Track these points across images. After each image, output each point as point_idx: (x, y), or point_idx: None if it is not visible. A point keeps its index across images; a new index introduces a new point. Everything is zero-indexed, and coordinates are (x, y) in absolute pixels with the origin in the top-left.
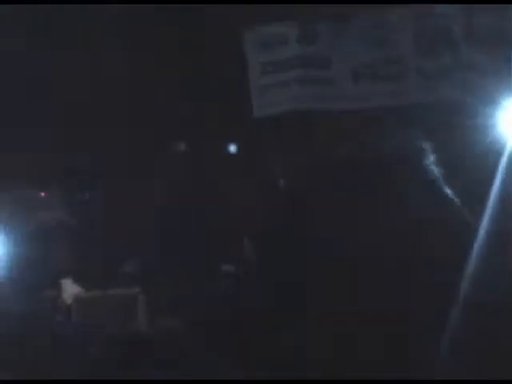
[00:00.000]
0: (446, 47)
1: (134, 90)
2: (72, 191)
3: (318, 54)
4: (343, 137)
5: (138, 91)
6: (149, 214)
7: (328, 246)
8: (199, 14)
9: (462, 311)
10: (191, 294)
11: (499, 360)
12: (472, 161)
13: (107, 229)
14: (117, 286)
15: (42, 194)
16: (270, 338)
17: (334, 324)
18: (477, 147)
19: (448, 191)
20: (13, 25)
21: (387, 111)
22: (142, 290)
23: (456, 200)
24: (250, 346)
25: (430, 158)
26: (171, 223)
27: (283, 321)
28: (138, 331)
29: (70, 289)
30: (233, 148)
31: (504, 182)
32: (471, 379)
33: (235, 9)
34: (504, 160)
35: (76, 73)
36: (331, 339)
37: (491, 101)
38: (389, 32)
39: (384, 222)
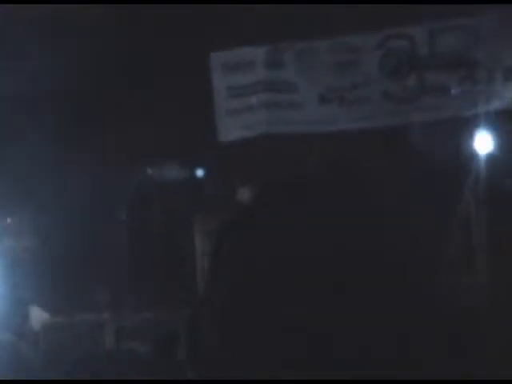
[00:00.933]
0: (410, 70)
1: (99, 112)
2: (39, 218)
3: (285, 79)
4: (310, 160)
5: (105, 113)
6: (119, 241)
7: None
8: (166, 38)
9: None
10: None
11: None
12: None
13: (75, 255)
14: (84, 312)
15: (9, 220)
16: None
17: None
18: (443, 169)
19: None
20: None
21: (356, 134)
22: (110, 316)
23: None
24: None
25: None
26: (144, 249)
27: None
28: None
29: (37, 315)
30: (199, 173)
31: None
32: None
33: (202, 32)
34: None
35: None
36: None
37: (455, 122)
38: (354, 56)
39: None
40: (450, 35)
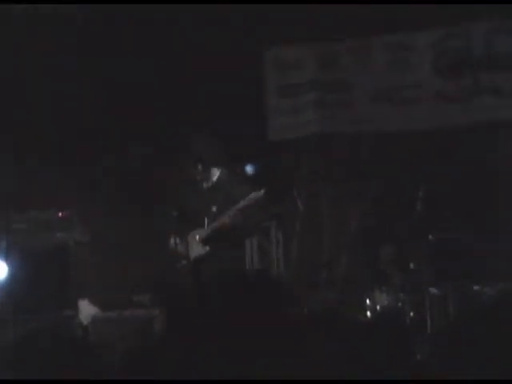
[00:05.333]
0: (466, 69)
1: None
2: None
3: (337, 78)
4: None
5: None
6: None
7: None
8: (218, 35)
9: None
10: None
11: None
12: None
13: (125, 250)
14: (133, 307)
15: (60, 214)
16: None
17: None
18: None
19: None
20: None
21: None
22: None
23: None
24: None
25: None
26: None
27: None
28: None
29: (86, 309)
30: (249, 170)
31: None
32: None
33: (254, 29)
34: None
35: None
36: None
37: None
38: (408, 55)
39: None
40: (508, 36)
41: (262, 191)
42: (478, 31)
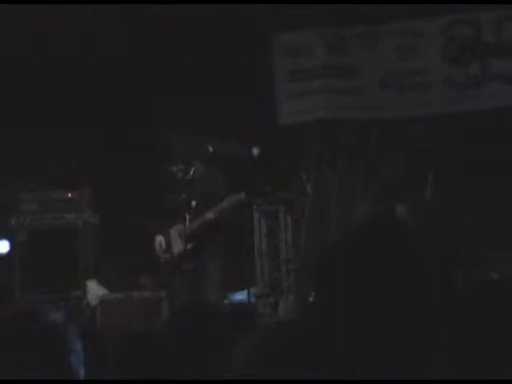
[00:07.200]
0: (474, 57)
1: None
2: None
3: (346, 64)
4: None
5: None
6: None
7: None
8: (227, 20)
9: None
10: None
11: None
12: None
13: (134, 230)
14: (141, 289)
15: (69, 194)
16: None
17: None
18: None
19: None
20: None
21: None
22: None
23: None
24: None
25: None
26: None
27: None
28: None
29: (95, 290)
30: (256, 153)
31: None
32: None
33: (264, 15)
34: None
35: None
36: None
37: None
38: (417, 41)
39: None
40: None
41: (243, 194)
42: (487, 18)
